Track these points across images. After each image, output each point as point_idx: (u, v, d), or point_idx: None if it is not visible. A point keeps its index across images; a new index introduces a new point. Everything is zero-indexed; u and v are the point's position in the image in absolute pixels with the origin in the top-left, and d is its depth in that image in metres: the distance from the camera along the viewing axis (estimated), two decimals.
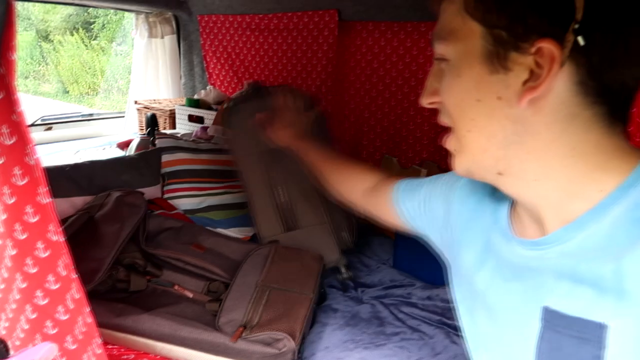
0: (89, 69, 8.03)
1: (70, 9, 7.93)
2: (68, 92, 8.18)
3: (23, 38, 8.83)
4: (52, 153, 1.94)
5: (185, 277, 1.21)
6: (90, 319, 0.63)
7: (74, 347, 0.63)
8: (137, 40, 2.27)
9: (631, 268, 0.41)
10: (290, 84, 2.07)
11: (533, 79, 0.44)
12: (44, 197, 0.55)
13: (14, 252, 0.56)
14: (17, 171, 0.53)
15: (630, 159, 0.45)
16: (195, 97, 2.06)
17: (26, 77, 8.87)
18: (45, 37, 8.77)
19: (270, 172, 1.39)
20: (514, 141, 0.47)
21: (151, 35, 2.24)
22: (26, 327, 0.60)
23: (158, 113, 2.06)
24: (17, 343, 0.62)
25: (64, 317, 0.61)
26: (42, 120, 2.14)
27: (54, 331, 0.61)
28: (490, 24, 0.45)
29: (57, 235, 0.57)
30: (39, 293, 0.59)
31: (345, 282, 1.38)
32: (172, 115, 2.02)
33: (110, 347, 1.01)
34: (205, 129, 1.81)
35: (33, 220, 0.54)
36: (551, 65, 0.43)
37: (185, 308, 1.12)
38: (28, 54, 9.02)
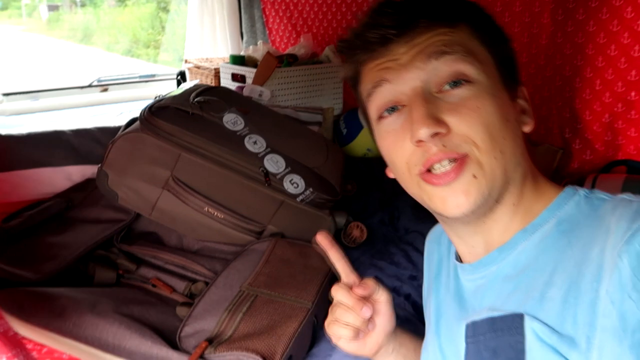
0: None
1: None
2: (185, 61, 8.65)
3: (145, 10, 9.37)
4: (101, 115, 1.87)
5: (165, 277, 0.99)
6: None
7: None
8: None
9: (558, 279, 0.44)
10: None
11: (527, 114, 0.54)
12: None
13: None
14: None
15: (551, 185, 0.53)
16: (242, 53, 1.82)
17: (147, 47, 9.47)
18: (163, 8, 9.20)
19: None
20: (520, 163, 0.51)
21: None
22: None
23: (205, 72, 1.86)
24: None
25: None
26: (99, 81, 2.07)
27: None
28: (499, 56, 0.52)
29: None
30: None
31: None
32: (217, 74, 1.80)
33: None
34: (241, 89, 1.56)
35: None
36: (530, 104, 0.54)
37: (152, 310, 0.90)
38: (150, 24, 9.61)
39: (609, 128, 1.21)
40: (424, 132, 0.46)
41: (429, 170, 0.48)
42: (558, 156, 1.33)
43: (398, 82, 0.49)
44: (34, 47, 8.15)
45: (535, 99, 1.37)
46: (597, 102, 1.20)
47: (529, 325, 0.44)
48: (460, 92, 0.48)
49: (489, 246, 0.52)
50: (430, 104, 0.47)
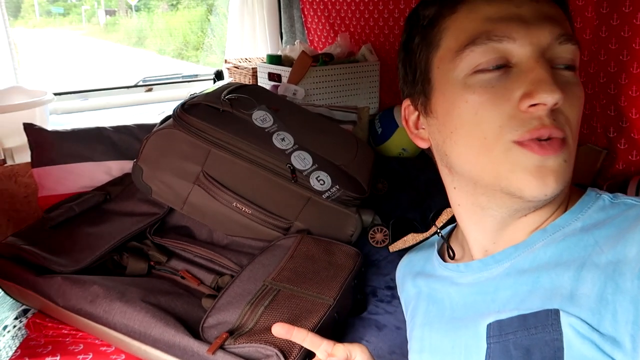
0: None
1: None
2: (225, 61, 8.97)
3: (195, 13, 9.64)
4: (145, 114, 1.95)
5: (194, 269, 1.02)
6: None
7: None
8: None
9: (587, 275, 0.43)
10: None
11: None
12: None
13: None
14: None
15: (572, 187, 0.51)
16: (279, 52, 1.84)
17: (197, 49, 9.70)
18: (213, 11, 9.48)
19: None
20: None
21: None
22: None
23: (243, 72, 1.89)
24: None
25: None
26: (144, 81, 2.15)
27: None
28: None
29: None
30: None
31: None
32: (254, 74, 1.83)
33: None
34: (276, 88, 1.58)
35: None
36: None
37: (179, 301, 0.92)
38: (199, 27, 9.85)
39: None
40: (552, 98, 0.43)
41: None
42: (602, 157, 1.26)
43: (522, 41, 0.46)
44: (92, 50, 8.58)
45: None
46: None
47: (566, 321, 0.42)
48: (570, 75, 0.47)
49: (509, 243, 0.51)
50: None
